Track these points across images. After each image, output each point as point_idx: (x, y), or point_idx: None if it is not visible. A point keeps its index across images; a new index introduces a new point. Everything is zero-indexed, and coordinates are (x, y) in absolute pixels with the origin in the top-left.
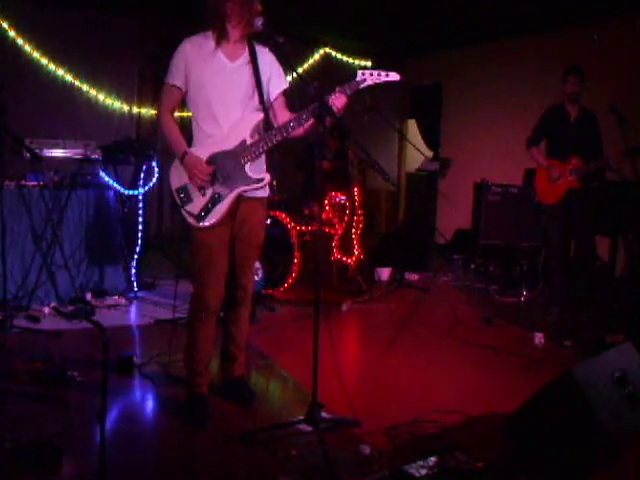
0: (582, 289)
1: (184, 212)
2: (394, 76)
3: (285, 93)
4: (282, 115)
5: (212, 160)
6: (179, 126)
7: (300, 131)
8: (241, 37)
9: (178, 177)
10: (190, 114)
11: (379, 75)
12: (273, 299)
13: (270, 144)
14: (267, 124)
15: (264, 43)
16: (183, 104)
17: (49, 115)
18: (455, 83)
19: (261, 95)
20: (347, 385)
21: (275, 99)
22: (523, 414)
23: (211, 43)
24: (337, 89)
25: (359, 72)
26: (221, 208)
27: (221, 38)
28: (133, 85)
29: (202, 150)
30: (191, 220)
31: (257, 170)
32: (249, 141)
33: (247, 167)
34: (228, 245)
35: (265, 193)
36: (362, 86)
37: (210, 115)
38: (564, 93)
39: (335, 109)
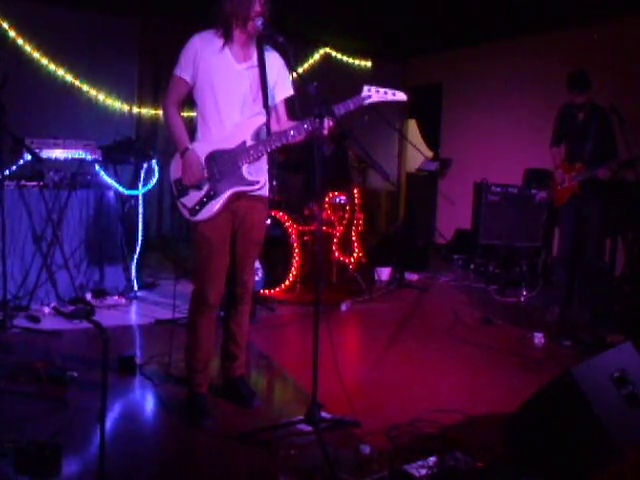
0: (585, 293)
1: (179, 204)
2: (401, 96)
3: (288, 101)
4: (282, 122)
5: (212, 156)
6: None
7: (300, 137)
8: (248, 40)
9: (179, 169)
10: (190, 114)
11: (385, 93)
12: (273, 299)
13: (269, 149)
14: (268, 129)
15: (274, 47)
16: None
17: (49, 115)
18: (455, 83)
19: (266, 99)
20: (347, 385)
21: (277, 105)
22: (523, 414)
23: (220, 41)
24: (334, 110)
25: (365, 88)
26: (215, 204)
27: (227, 39)
28: (133, 85)
29: (204, 145)
30: (185, 213)
31: (254, 172)
32: (249, 143)
33: (244, 168)
34: (229, 241)
35: (265, 192)
36: (366, 102)
37: (214, 112)
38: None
39: (325, 129)
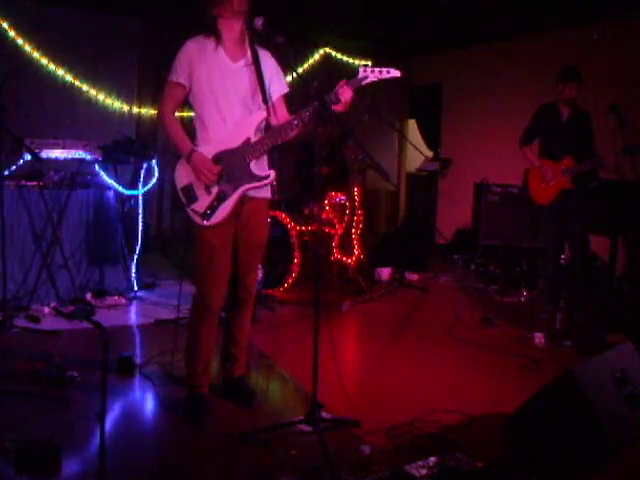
0: (579, 291)
1: (190, 211)
2: (395, 72)
3: (286, 97)
4: (281, 120)
5: (218, 158)
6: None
7: (303, 125)
8: (238, 36)
9: (184, 176)
10: (188, 114)
11: (380, 72)
12: (273, 299)
13: (274, 142)
14: (269, 123)
15: (265, 45)
16: (184, 103)
17: (49, 115)
18: (455, 83)
19: (264, 94)
20: (347, 385)
21: (275, 103)
22: (523, 414)
23: (212, 43)
24: (343, 81)
25: (361, 69)
26: (226, 206)
27: (218, 38)
28: (133, 85)
29: (207, 148)
30: (197, 219)
31: (261, 168)
32: (253, 139)
33: (252, 165)
34: (231, 245)
35: (268, 194)
36: (364, 82)
37: (216, 113)
38: (561, 96)
39: (343, 100)
